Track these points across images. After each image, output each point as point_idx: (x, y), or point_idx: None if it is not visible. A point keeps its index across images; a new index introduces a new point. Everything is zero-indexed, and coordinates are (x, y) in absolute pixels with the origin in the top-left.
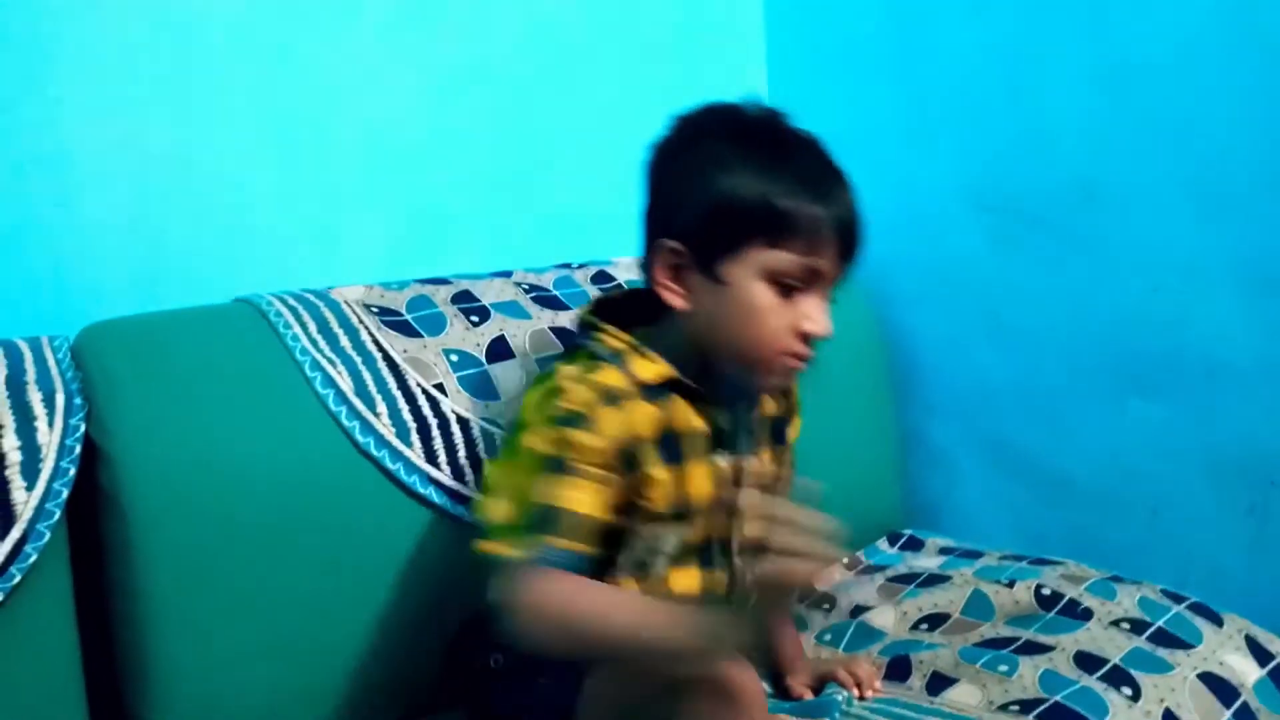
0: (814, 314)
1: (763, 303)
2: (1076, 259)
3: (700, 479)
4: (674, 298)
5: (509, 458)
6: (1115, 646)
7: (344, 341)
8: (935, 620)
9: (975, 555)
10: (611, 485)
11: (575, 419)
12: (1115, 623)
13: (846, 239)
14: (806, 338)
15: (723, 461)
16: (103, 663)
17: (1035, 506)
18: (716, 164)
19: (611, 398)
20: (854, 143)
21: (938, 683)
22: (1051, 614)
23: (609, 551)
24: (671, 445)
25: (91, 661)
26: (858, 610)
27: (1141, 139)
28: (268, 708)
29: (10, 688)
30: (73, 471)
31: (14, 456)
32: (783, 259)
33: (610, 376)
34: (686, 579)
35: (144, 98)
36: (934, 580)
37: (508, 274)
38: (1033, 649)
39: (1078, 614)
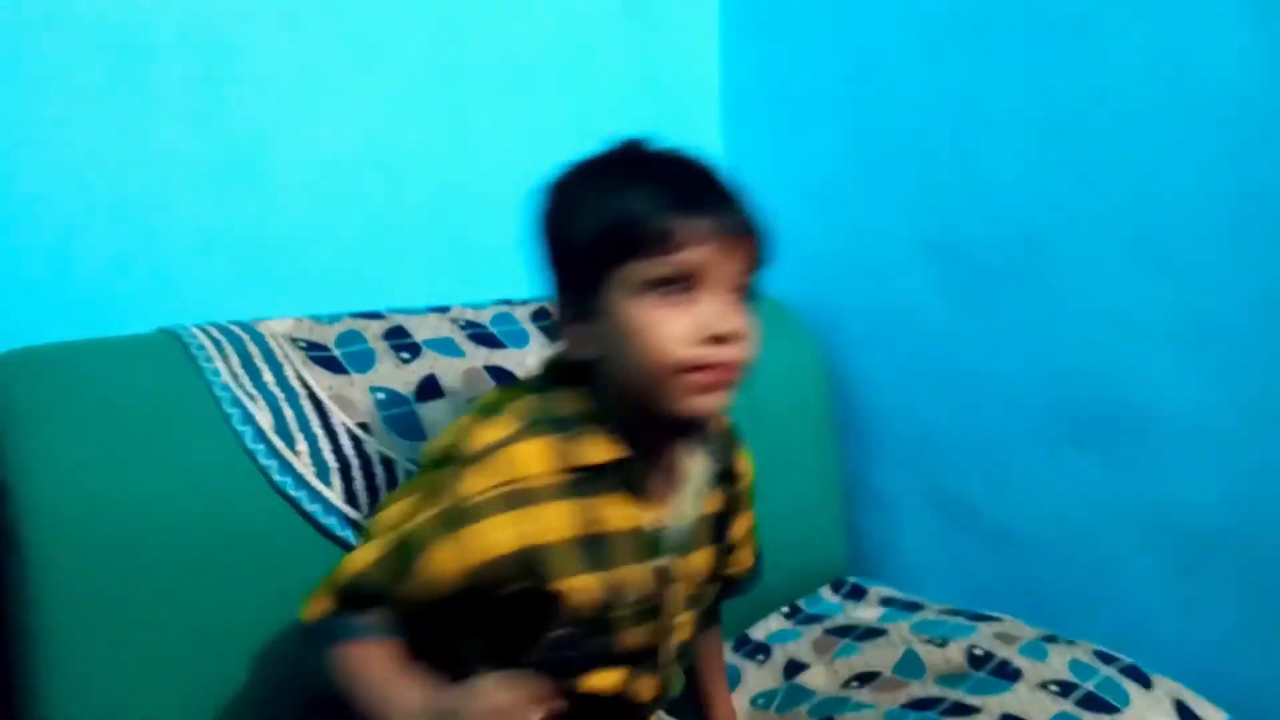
0: (713, 313)
1: (641, 318)
2: (1019, 308)
3: (635, 582)
4: (580, 349)
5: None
6: (1041, 709)
7: (266, 376)
8: (866, 678)
9: (915, 607)
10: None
11: (457, 518)
12: (1044, 685)
13: (720, 231)
14: (711, 343)
15: (659, 562)
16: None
17: (978, 557)
18: (568, 207)
19: (516, 499)
20: (808, 188)
21: None
22: (982, 673)
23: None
24: (598, 549)
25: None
26: (791, 668)
27: (1081, 191)
28: None
29: None
30: None
31: None
32: (644, 266)
33: (533, 459)
34: (603, 679)
35: (74, 116)
36: (870, 634)
37: (445, 309)
38: (959, 710)
39: (1008, 674)
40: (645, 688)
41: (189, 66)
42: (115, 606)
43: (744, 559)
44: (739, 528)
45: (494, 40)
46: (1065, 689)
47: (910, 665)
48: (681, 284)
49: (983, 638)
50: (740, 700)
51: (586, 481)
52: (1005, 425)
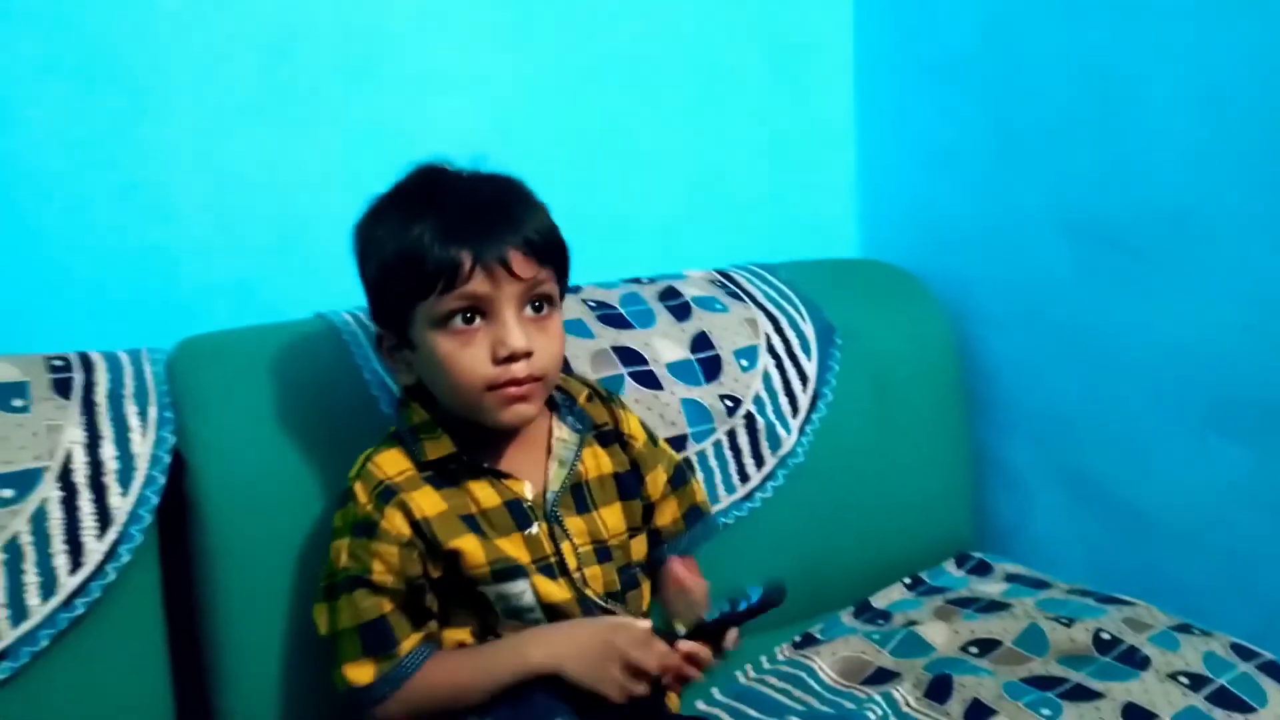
0: (500, 335)
1: (444, 350)
2: (1165, 289)
3: (515, 548)
4: (401, 377)
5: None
6: (1169, 702)
7: None
8: (986, 645)
9: (1042, 585)
10: (417, 573)
11: (367, 526)
12: (1173, 676)
13: (498, 257)
14: (508, 361)
15: (535, 529)
16: (188, 655)
17: (1109, 539)
18: (367, 243)
19: (387, 493)
20: (941, 156)
21: (977, 712)
22: (1107, 658)
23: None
24: (472, 524)
25: (177, 653)
26: (910, 623)
27: (1241, 168)
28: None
29: (102, 683)
30: (162, 480)
31: (111, 465)
32: (435, 305)
33: (390, 461)
34: None
35: (237, 118)
36: (993, 607)
37: (576, 289)
38: (1080, 694)
39: (1135, 661)
40: None
41: (340, 58)
42: (282, 572)
43: (669, 513)
44: (652, 486)
45: (630, 27)
46: (1196, 682)
47: (1033, 640)
48: (473, 310)
49: (1111, 621)
50: (852, 640)
51: (442, 475)
52: (1145, 407)
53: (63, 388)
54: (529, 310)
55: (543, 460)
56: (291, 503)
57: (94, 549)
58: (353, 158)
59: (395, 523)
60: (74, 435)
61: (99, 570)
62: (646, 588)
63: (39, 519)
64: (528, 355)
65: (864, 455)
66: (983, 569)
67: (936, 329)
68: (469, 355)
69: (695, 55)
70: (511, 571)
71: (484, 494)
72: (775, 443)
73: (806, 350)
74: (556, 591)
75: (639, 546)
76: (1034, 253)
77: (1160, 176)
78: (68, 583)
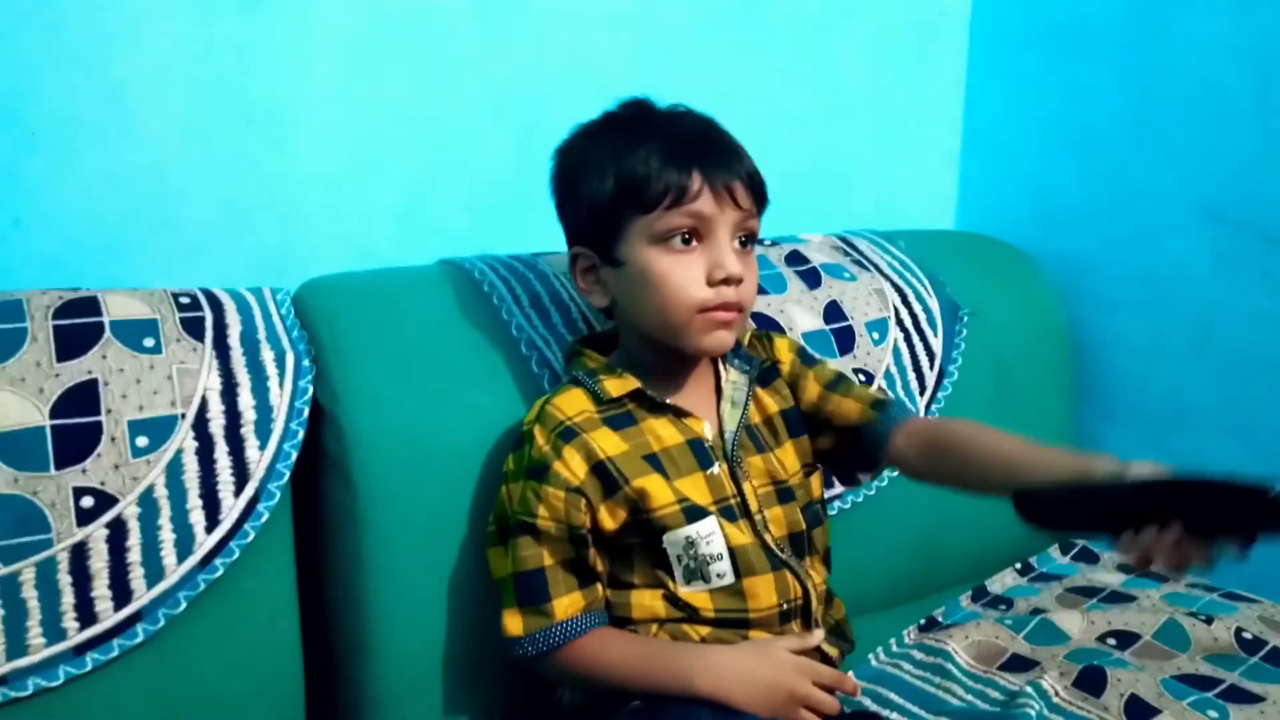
0: (718, 258)
1: (658, 266)
2: None
3: (697, 489)
4: (595, 298)
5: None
6: None
7: (555, 318)
8: (1125, 639)
9: (1160, 578)
10: (581, 523)
11: (540, 469)
12: None
13: (725, 181)
14: (723, 284)
15: (716, 468)
16: (318, 623)
17: None
18: (582, 163)
19: (568, 433)
20: (1063, 131)
21: (1138, 710)
22: (1255, 658)
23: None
24: (655, 463)
25: (308, 621)
26: (1037, 610)
27: None
28: (480, 686)
29: (236, 651)
30: (301, 434)
31: (249, 415)
32: (657, 218)
33: (570, 403)
34: (763, 586)
35: (375, 52)
36: (1118, 598)
37: None
38: (1241, 696)
39: None
40: (793, 586)
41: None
42: (434, 536)
43: (848, 410)
44: (811, 392)
45: None
46: None
47: (1174, 636)
48: (692, 233)
49: (1247, 620)
50: (983, 625)
51: (623, 414)
52: (1276, 404)
53: (194, 328)
54: (737, 244)
55: (714, 402)
56: (445, 461)
57: (231, 506)
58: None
59: (572, 464)
60: (210, 381)
61: (237, 529)
62: (828, 524)
63: (174, 471)
64: (739, 282)
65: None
66: (1088, 556)
67: (1050, 310)
68: (685, 274)
69: (807, 12)
70: (698, 511)
71: (665, 431)
72: None
73: (933, 326)
74: (737, 534)
75: (815, 484)
76: (1164, 237)
77: None
78: (205, 541)
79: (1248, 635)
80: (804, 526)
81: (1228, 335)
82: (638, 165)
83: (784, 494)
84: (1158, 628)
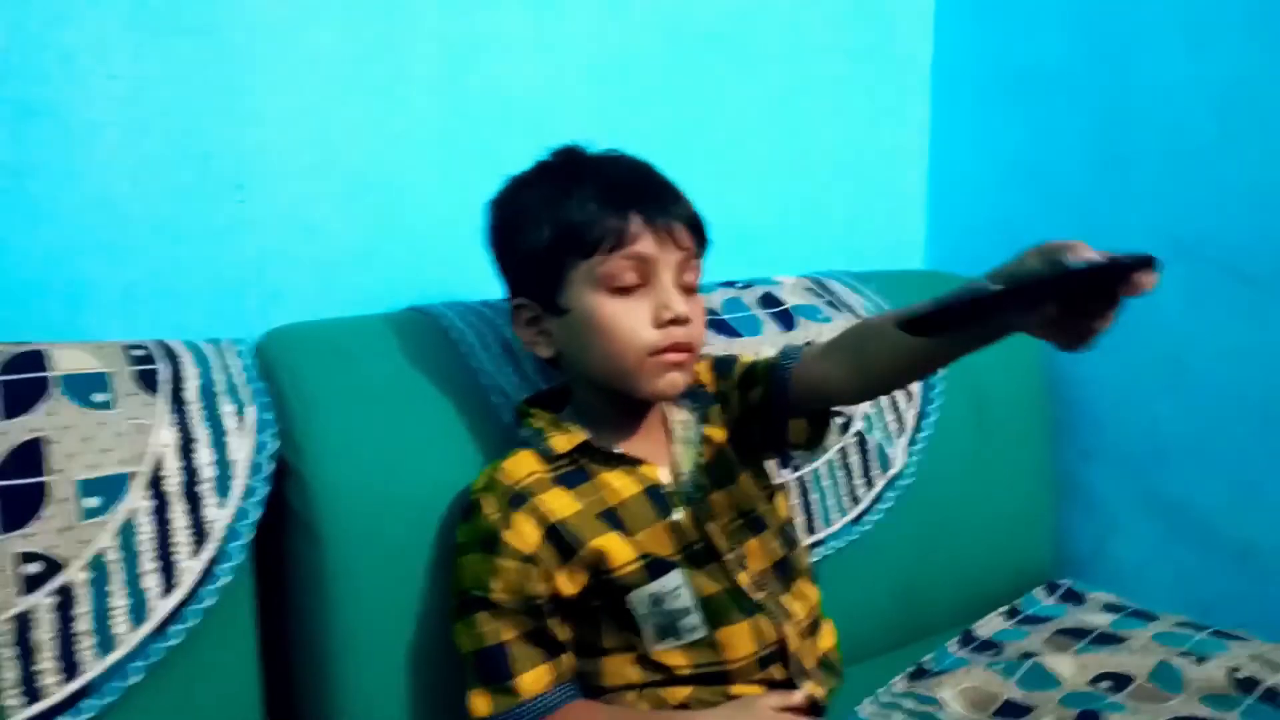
0: (664, 299)
1: (604, 311)
2: None
3: (659, 541)
4: (540, 349)
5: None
6: None
7: (525, 365)
8: (1118, 681)
9: (1148, 618)
10: (538, 593)
11: (490, 540)
12: None
13: (666, 223)
14: (671, 324)
15: (678, 514)
16: (281, 690)
17: (1205, 571)
18: (518, 212)
19: (517, 499)
20: (1028, 172)
21: None
22: (1251, 698)
23: (601, 633)
24: (612, 520)
25: (271, 688)
26: (1027, 654)
27: None
28: None
29: (195, 715)
30: (264, 491)
31: (208, 472)
32: (599, 263)
33: (519, 466)
34: (738, 635)
35: (331, 102)
36: (1107, 640)
37: None
38: None
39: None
40: (768, 631)
41: (438, 47)
42: (406, 596)
43: (758, 380)
44: (736, 398)
45: (716, 25)
46: None
47: (1167, 677)
48: (636, 275)
49: (1239, 659)
50: (974, 671)
51: (575, 470)
52: (1254, 437)
53: (148, 381)
54: (681, 286)
55: (666, 446)
56: (415, 515)
57: (189, 568)
58: (445, 151)
59: (524, 531)
60: (165, 437)
61: (195, 593)
62: (803, 547)
63: (127, 533)
64: (687, 322)
65: (964, 478)
66: (1074, 597)
67: (1027, 349)
68: (632, 318)
69: (773, 56)
70: (661, 566)
71: (620, 483)
72: (884, 463)
73: None
74: (706, 584)
75: (781, 505)
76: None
77: None
78: (160, 607)
79: (1242, 675)
80: (783, 552)
81: (1201, 371)
82: (574, 211)
83: (755, 523)
84: (1151, 670)
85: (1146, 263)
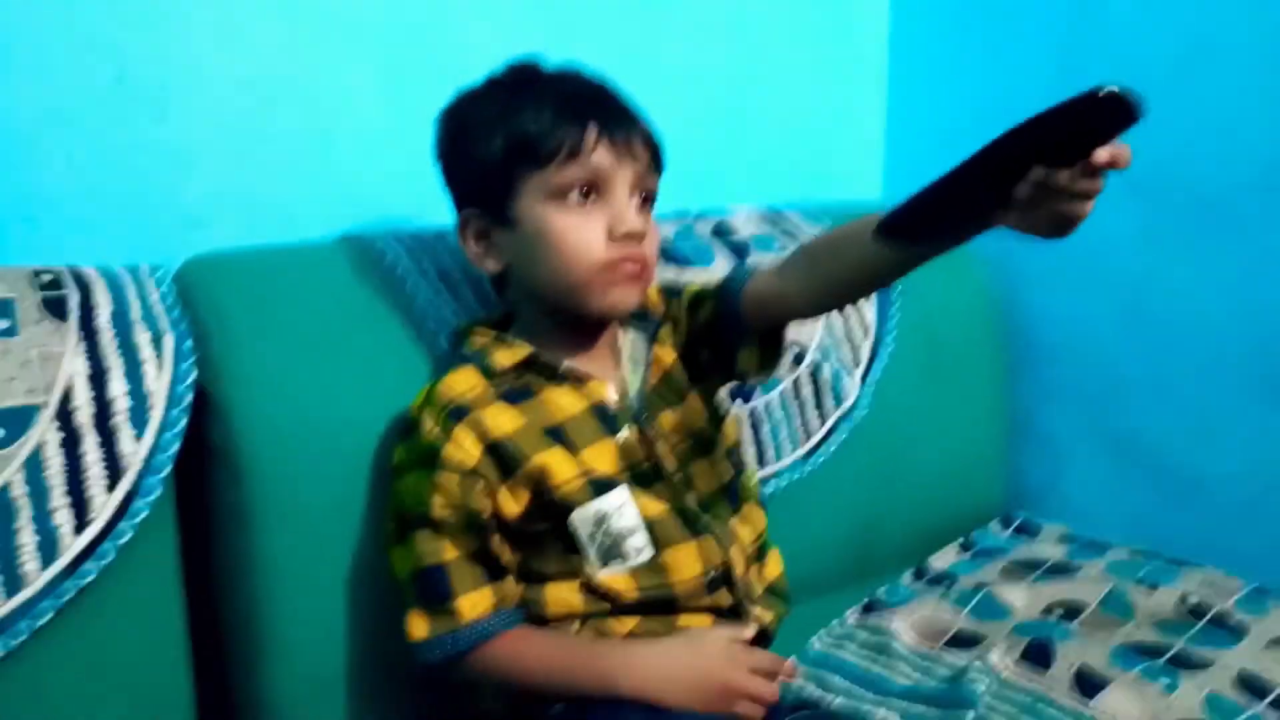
0: (619, 213)
1: (556, 224)
2: (1239, 251)
3: (604, 459)
4: (487, 263)
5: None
6: None
7: (466, 293)
8: (1071, 610)
9: (1102, 548)
10: (480, 508)
11: (431, 455)
12: (1276, 641)
13: (622, 136)
14: (625, 239)
15: (625, 433)
16: (206, 628)
17: (1158, 504)
18: (472, 123)
19: (458, 412)
20: (986, 103)
21: (1087, 682)
22: (1201, 624)
23: (546, 554)
24: (557, 436)
25: (195, 626)
26: (980, 585)
27: None
28: (389, 691)
29: (113, 662)
30: (184, 422)
31: (122, 403)
32: (553, 174)
33: (460, 380)
34: (685, 555)
35: (262, 6)
36: (1061, 570)
37: None
38: (1190, 663)
39: (1229, 628)
40: (714, 553)
41: None
42: (330, 527)
43: (708, 298)
44: (684, 320)
45: None
46: None
47: (1118, 604)
48: (590, 188)
49: (1191, 585)
50: (927, 602)
51: (519, 387)
52: (1207, 373)
53: (56, 308)
54: (636, 201)
55: (614, 364)
56: (342, 449)
57: (104, 503)
58: (379, 73)
59: (464, 445)
60: (74, 366)
61: (111, 528)
62: (753, 474)
63: (34, 466)
64: (642, 238)
65: (918, 413)
66: (1029, 530)
67: (982, 286)
68: (584, 231)
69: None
70: (606, 484)
71: (566, 400)
72: (838, 396)
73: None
74: (652, 504)
75: (731, 430)
76: (1090, 214)
77: (1245, 137)
78: (72, 544)
79: (1193, 601)
80: (732, 473)
81: (1156, 306)
82: (529, 121)
83: (703, 445)
84: (1103, 597)
85: (1125, 106)
